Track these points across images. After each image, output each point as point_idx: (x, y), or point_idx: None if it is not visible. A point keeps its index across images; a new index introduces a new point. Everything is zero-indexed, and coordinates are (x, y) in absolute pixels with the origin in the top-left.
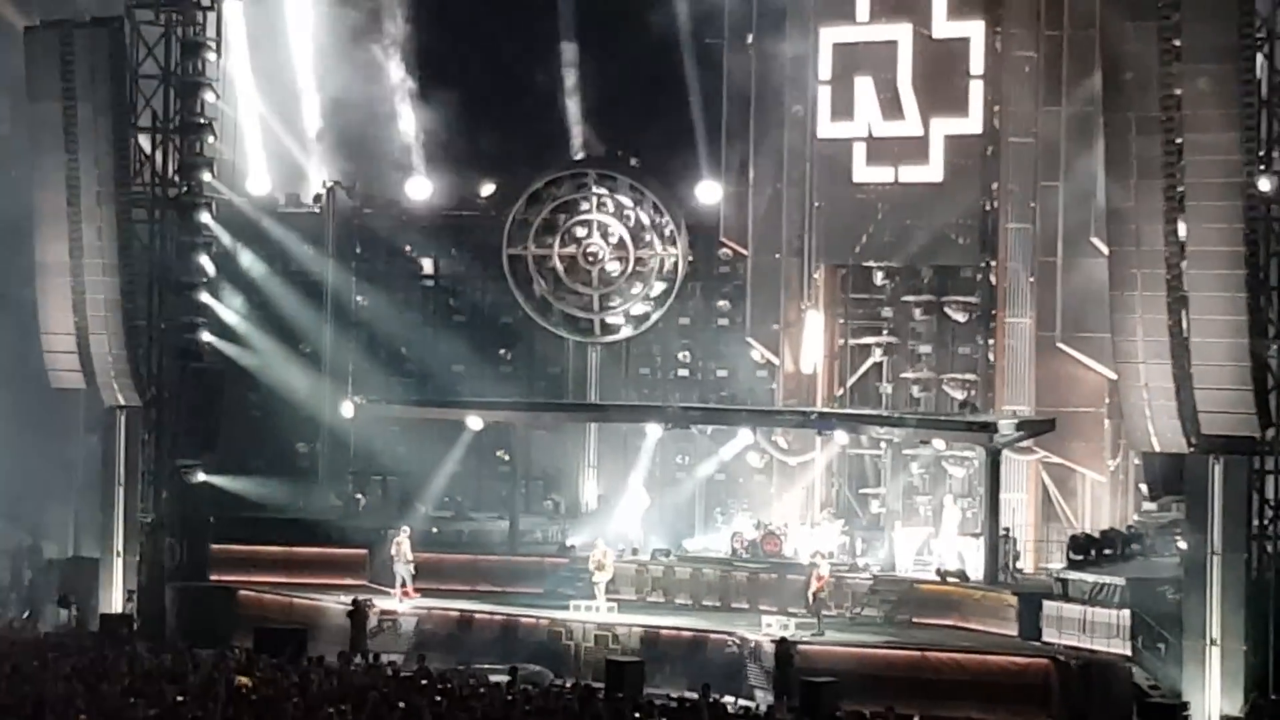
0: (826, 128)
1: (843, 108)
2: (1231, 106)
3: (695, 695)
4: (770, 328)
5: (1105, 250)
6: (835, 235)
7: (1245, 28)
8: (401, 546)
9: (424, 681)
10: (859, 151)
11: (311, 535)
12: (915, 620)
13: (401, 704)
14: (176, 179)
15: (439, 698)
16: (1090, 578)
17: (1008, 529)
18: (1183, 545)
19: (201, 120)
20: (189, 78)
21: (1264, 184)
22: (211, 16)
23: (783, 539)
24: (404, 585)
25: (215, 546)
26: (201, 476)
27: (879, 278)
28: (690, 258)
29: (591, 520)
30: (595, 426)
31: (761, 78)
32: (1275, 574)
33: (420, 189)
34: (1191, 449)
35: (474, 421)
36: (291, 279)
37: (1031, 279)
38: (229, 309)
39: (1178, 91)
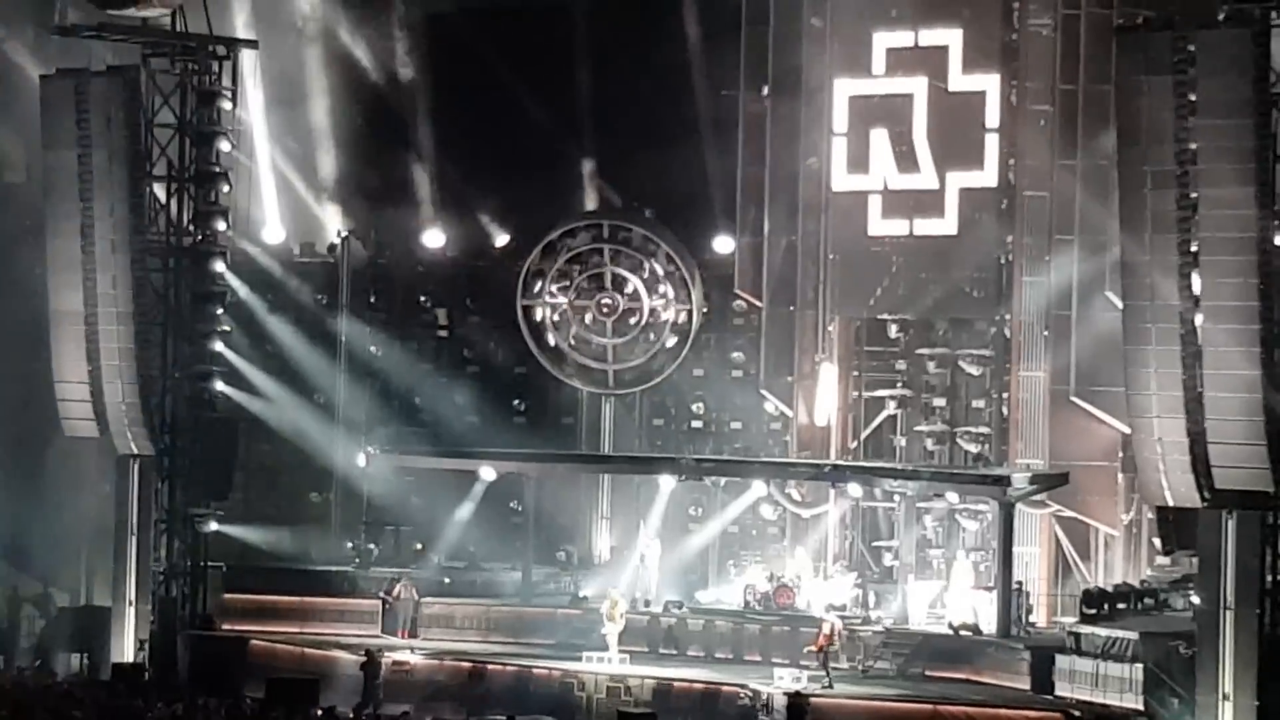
0: (842, 180)
1: (858, 160)
2: (1247, 161)
3: None
4: (784, 380)
5: (1120, 304)
6: (850, 288)
7: (1260, 83)
8: (408, 589)
9: None
10: (874, 204)
11: (324, 585)
12: (928, 673)
13: None
14: (191, 228)
15: None
16: (1103, 632)
17: (1021, 583)
18: (1196, 600)
19: (216, 169)
20: (204, 127)
21: (1279, 238)
22: (227, 65)
23: (796, 591)
24: (406, 627)
25: (227, 596)
26: (214, 525)
27: (893, 330)
28: (705, 309)
29: (604, 571)
30: (608, 478)
31: (777, 129)
32: None
33: (435, 239)
34: (1205, 504)
35: (487, 472)
36: (305, 329)
37: (1046, 332)
38: (243, 358)
39: (1193, 146)
